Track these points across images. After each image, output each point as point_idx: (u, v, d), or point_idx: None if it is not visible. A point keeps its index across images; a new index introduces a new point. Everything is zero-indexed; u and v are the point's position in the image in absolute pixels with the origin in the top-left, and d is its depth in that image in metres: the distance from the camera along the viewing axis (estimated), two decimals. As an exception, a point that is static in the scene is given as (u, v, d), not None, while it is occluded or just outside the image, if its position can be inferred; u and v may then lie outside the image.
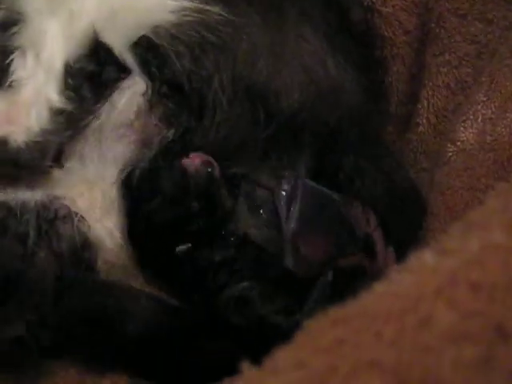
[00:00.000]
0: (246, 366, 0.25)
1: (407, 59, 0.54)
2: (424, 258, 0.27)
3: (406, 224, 0.45)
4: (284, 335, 0.25)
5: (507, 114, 0.43)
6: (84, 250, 0.44)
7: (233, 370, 0.26)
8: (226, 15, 0.42)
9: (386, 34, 0.54)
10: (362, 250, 0.40)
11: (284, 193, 0.39)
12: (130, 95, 0.44)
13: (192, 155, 0.41)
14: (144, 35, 0.43)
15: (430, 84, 0.52)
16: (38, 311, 0.42)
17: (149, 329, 0.41)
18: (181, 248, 0.39)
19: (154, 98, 0.43)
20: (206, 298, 0.40)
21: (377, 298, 0.26)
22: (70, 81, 0.42)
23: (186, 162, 0.41)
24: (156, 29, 0.43)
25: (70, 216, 0.45)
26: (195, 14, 0.42)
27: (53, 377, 0.44)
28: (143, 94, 0.43)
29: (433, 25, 0.52)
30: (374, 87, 0.50)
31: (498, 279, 0.25)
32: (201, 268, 0.40)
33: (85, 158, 0.46)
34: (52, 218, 0.45)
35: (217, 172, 0.40)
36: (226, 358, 0.27)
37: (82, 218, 0.45)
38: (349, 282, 0.38)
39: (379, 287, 0.26)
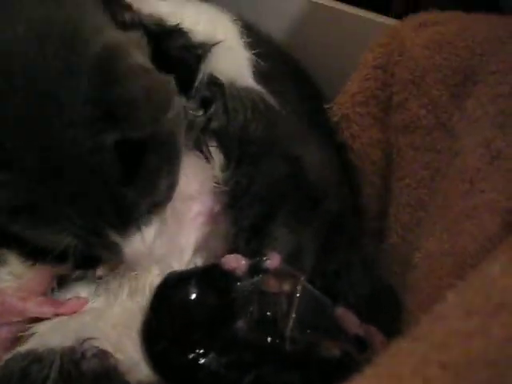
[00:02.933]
0: None
1: (375, 184, 0.61)
2: (401, 344, 0.32)
3: (387, 319, 0.49)
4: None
5: (458, 226, 0.47)
6: (109, 380, 0.45)
7: None
8: None
9: (357, 164, 0.62)
10: (352, 347, 0.45)
11: (284, 298, 0.44)
12: None
13: (227, 257, 0.47)
14: None
15: (395, 203, 0.58)
16: None
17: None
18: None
19: None
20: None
21: (366, 380, 0.30)
22: None
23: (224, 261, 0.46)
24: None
25: (98, 355, 0.45)
26: None
27: None
28: None
29: (394, 156, 0.60)
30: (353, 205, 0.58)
31: (459, 359, 0.30)
32: (213, 370, 0.43)
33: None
34: (78, 358, 0.45)
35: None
36: None
37: (111, 355, 0.46)
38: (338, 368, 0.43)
39: (368, 371, 0.31)
